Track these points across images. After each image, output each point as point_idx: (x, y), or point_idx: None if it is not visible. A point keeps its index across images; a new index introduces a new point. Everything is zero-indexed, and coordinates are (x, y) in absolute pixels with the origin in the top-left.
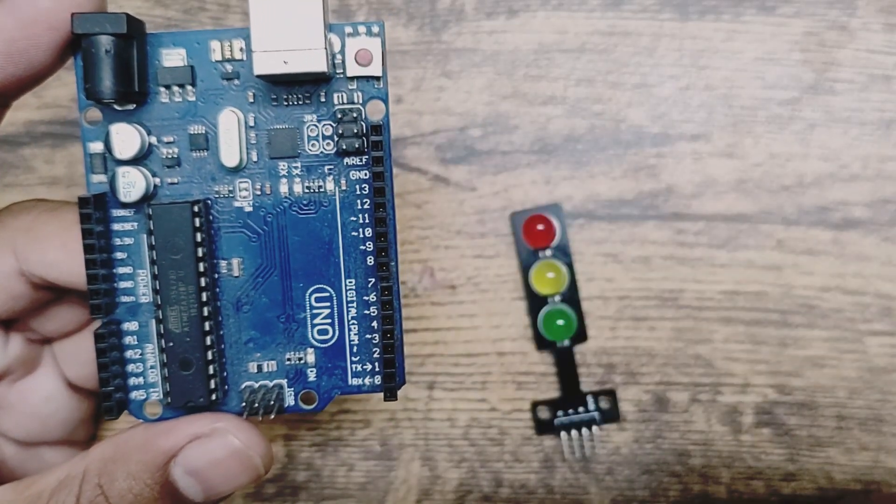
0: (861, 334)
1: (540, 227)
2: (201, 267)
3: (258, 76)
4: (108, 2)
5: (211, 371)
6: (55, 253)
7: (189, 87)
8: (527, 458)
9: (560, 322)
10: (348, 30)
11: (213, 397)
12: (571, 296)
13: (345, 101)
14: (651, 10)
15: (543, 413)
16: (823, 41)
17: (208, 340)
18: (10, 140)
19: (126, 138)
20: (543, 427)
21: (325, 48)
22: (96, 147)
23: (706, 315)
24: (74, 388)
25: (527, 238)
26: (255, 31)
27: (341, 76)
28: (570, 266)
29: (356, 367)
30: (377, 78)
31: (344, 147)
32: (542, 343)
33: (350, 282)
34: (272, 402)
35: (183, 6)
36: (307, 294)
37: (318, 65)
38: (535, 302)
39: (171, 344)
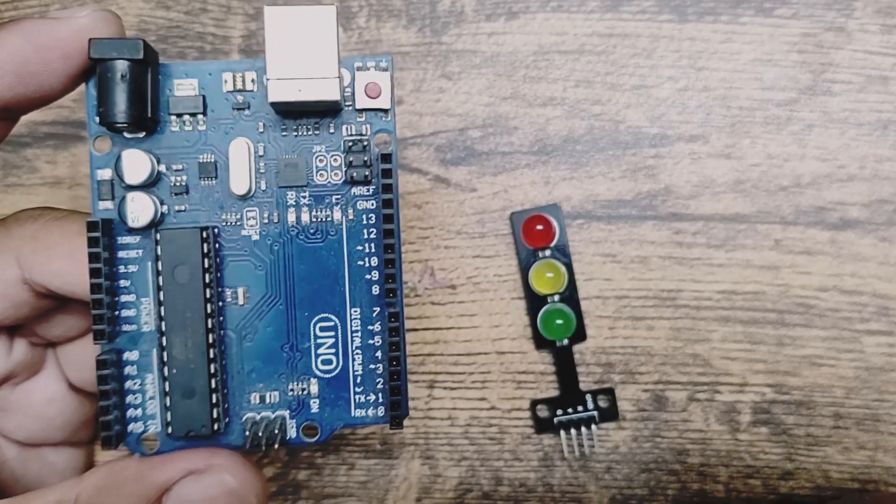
0: (858, 334)
1: (539, 227)
2: (208, 293)
3: (272, 103)
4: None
5: (214, 400)
6: (59, 263)
7: (200, 117)
8: (526, 456)
9: (559, 321)
10: (358, 64)
11: (216, 427)
12: (570, 295)
13: (353, 132)
14: (649, 12)
15: (542, 412)
16: (821, 42)
17: (213, 368)
18: (12, 140)
19: (136, 163)
20: (542, 426)
21: (339, 77)
22: (105, 174)
23: (704, 315)
24: (77, 391)
25: (526, 238)
26: (271, 60)
27: (350, 108)
28: (568, 266)
29: (359, 399)
30: (385, 110)
31: (353, 175)
32: (541, 342)
33: (355, 311)
34: (275, 432)
35: (185, 8)
36: (312, 323)
37: (332, 93)
38: (535, 301)
39: (175, 371)
